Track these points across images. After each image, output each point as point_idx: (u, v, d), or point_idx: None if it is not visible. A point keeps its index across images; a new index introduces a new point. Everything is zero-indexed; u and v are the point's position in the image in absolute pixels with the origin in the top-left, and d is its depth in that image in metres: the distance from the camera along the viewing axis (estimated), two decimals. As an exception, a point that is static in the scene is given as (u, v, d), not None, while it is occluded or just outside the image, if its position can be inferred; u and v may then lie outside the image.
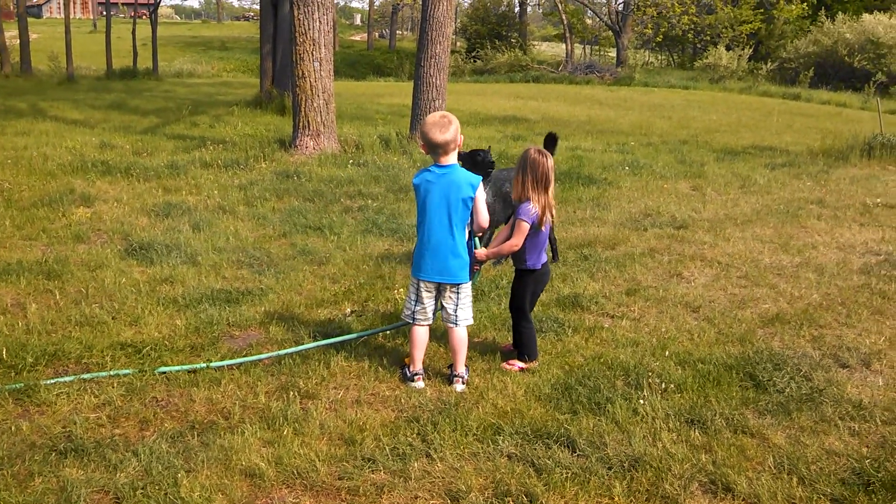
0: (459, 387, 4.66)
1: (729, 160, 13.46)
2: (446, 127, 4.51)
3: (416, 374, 4.73)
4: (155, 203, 8.81)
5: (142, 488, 3.53)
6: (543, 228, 4.84)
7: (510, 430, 4.13)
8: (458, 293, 4.70)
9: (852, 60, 35.53)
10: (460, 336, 4.74)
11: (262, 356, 4.97)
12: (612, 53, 43.85)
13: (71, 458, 3.80)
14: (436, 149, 4.55)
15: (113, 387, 4.52)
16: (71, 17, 31.47)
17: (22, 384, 4.46)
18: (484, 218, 4.64)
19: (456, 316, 4.72)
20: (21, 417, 4.21)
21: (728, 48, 38.58)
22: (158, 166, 10.67)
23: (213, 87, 24.66)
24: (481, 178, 4.61)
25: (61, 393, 4.43)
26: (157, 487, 3.53)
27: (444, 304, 4.74)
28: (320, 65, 11.50)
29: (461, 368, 4.76)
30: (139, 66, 31.39)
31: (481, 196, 4.59)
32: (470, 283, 4.75)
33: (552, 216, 4.87)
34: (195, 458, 3.79)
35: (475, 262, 4.78)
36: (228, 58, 44.49)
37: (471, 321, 4.79)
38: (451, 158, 4.58)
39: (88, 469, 3.72)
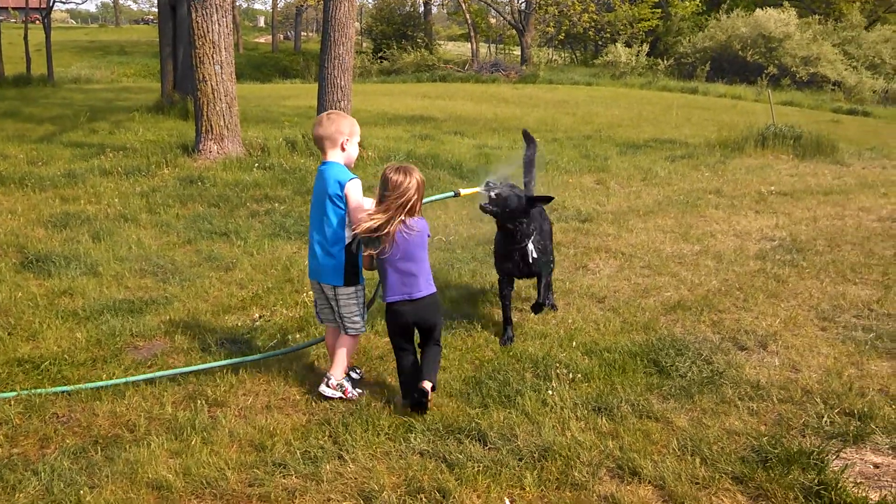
0: (324, 389, 4.47)
1: (631, 154, 13.82)
2: (322, 123, 4.53)
3: (339, 383, 4.53)
4: (52, 213, 8.50)
5: (42, 508, 3.42)
6: (385, 255, 4.34)
7: (422, 427, 4.15)
8: (336, 296, 4.51)
9: (745, 55, 36.91)
10: (341, 341, 4.57)
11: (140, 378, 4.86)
12: (517, 52, 44.34)
13: (-35, 481, 3.65)
14: (317, 144, 4.62)
15: (10, 405, 4.35)
16: (-44, 22, 29.99)
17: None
18: (353, 218, 4.39)
19: (341, 320, 4.58)
20: None
21: (628, 45, 39.55)
22: (55, 175, 10.29)
23: (113, 93, 23.89)
24: (354, 176, 4.45)
25: (-47, 414, 4.25)
26: (58, 506, 3.42)
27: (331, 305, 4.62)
28: (221, 68, 11.30)
29: (333, 371, 4.53)
30: (33, 73, 30.16)
31: (354, 195, 4.40)
32: (353, 288, 4.51)
33: (394, 243, 4.30)
34: (99, 474, 3.69)
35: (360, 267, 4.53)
36: (128, 62, 43.17)
37: (358, 330, 4.59)
38: (332, 155, 4.52)
39: (-16, 491, 3.57)
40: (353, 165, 4.64)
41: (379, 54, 43.02)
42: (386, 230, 4.26)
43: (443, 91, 26.50)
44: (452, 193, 5.25)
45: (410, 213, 4.30)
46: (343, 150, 4.55)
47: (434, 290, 4.45)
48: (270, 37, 57.72)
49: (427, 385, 4.31)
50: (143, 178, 10.35)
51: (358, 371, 4.83)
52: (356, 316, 4.55)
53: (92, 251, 7.20)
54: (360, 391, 4.56)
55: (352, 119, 4.63)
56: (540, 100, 24.16)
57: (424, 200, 4.45)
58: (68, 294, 6.17)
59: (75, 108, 17.95)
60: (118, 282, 6.50)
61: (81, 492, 3.50)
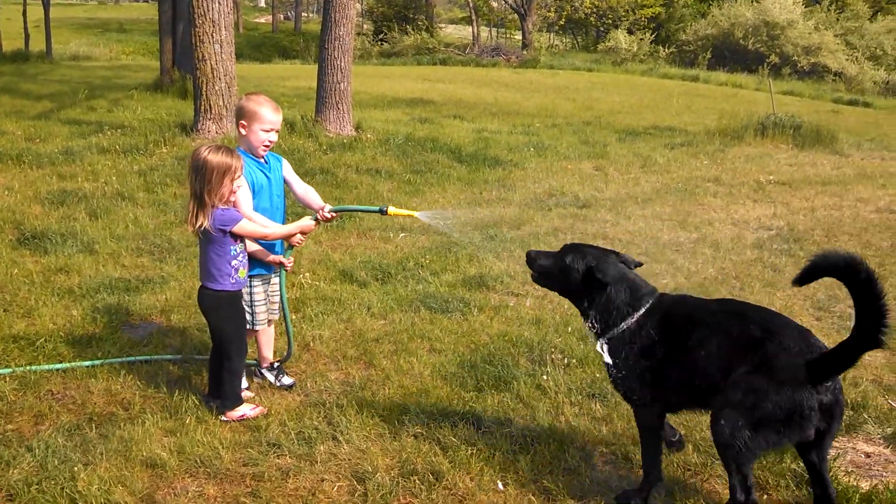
0: None
1: (630, 141, 13.80)
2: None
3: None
4: (49, 191, 8.48)
5: (37, 484, 3.42)
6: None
7: (416, 410, 4.17)
8: None
9: (747, 43, 36.79)
10: None
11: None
12: (518, 36, 44.15)
13: (-40, 456, 3.66)
14: None
15: (5, 381, 4.36)
16: (-46, -4, 29.81)
17: None
18: None
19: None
20: None
21: (630, 32, 39.40)
22: (52, 153, 10.25)
23: (112, 71, 23.75)
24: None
25: (-51, 389, 4.25)
26: (52, 482, 3.43)
27: None
28: (221, 47, 11.23)
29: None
30: (31, 49, 29.99)
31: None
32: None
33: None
34: (93, 451, 3.70)
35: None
36: (127, 40, 42.89)
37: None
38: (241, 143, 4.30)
39: (-21, 467, 3.58)
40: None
41: (379, 36, 42.81)
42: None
43: (443, 74, 26.41)
44: (378, 209, 4.38)
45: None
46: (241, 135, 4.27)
47: (208, 284, 4.10)
48: (271, 17, 57.35)
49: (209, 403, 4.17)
50: (141, 157, 10.31)
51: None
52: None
53: (89, 229, 7.18)
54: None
55: (255, 103, 4.21)
56: (540, 85, 24.08)
57: (347, 208, 4.40)
58: (64, 271, 6.17)
59: (73, 86, 17.86)
60: (115, 260, 6.50)
61: (76, 468, 3.51)
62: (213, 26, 11.10)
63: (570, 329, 5.27)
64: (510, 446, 3.89)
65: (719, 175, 10.91)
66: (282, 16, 60.76)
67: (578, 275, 3.56)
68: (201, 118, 11.43)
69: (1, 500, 3.36)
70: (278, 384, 4.48)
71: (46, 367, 4.55)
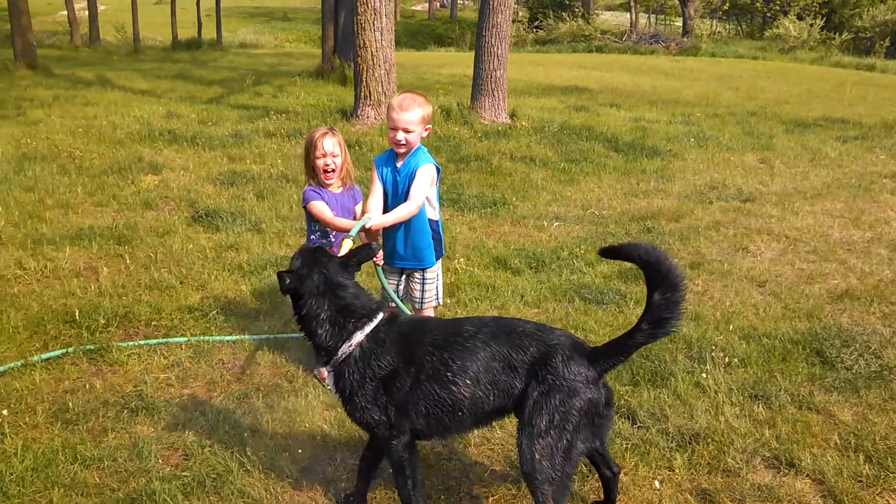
0: None
1: (799, 132, 13.08)
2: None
3: None
4: (220, 171, 8.95)
5: (209, 446, 3.63)
6: None
7: (570, 399, 4.12)
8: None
9: (934, 29, 34.15)
10: None
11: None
12: (679, 23, 42.75)
13: (142, 415, 3.94)
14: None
15: (181, 349, 4.65)
16: (138, -12, 31.81)
17: (95, 345, 4.61)
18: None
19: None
20: (94, 376, 4.36)
21: (799, 17, 37.35)
22: (223, 135, 10.83)
23: (276, 58, 24.81)
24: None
25: (132, 354, 4.57)
26: (224, 446, 3.63)
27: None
28: (381, 34, 11.48)
29: None
30: (203, 37, 31.78)
31: None
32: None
33: None
34: (260, 419, 3.89)
35: None
36: (291, 28, 44.69)
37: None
38: None
39: (159, 427, 3.84)
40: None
41: (534, 23, 42.57)
42: None
43: (599, 62, 25.95)
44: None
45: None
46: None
47: None
48: (427, 4, 58.17)
49: None
50: (304, 141, 10.70)
51: None
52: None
53: (256, 209, 7.53)
54: None
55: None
56: (701, 73, 23.23)
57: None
58: (234, 248, 6.50)
59: (241, 72, 18.76)
60: (280, 239, 6.78)
61: (245, 435, 3.70)
62: (375, 14, 11.36)
63: (731, 327, 5.07)
64: (666, 443, 3.79)
65: (897, 170, 10.18)
66: (438, 3, 61.47)
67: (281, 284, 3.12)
68: (361, 104, 11.74)
69: (178, 458, 3.59)
70: None
71: (218, 337, 4.81)
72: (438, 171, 4.25)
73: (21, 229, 6.71)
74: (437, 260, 4.38)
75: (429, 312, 4.38)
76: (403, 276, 4.34)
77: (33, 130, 10.83)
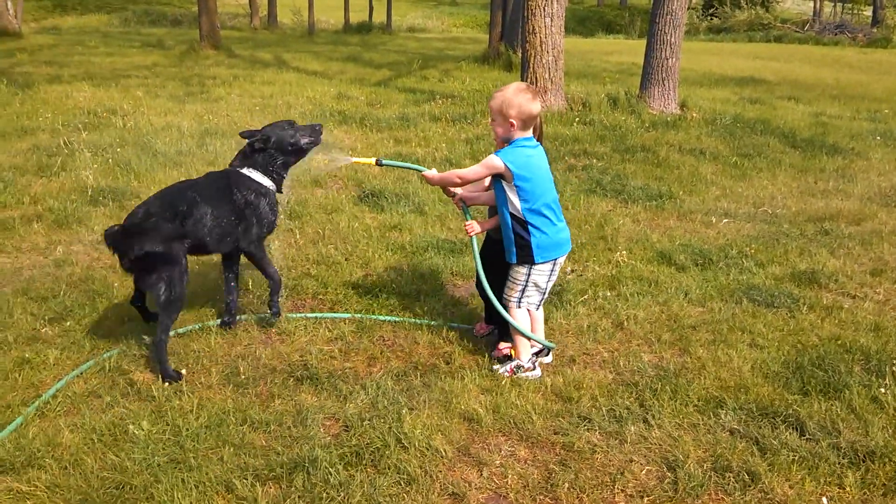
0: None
1: None
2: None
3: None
4: (386, 153, 9.17)
5: (368, 420, 3.73)
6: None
7: (733, 404, 3.96)
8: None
9: None
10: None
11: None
12: (868, 12, 40.05)
13: (306, 384, 4.10)
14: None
15: (345, 323, 4.80)
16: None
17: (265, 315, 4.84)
18: None
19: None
20: (263, 344, 4.58)
21: None
22: (390, 118, 11.08)
23: (443, 42, 25.19)
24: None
25: (299, 325, 4.77)
26: (382, 421, 3.72)
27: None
28: (551, 20, 11.38)
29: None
30: (374, 21, 32.69)
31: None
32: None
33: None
34: (418, 398, 3.96)
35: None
36: (458, 13, 45.21)
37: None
38: None
39: (321, 396, 3.99)
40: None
41: (709, 11, 41.04)
42: None
43: (777, 52, 24.72)
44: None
45: None
46: None
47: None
48: (596, -9, 57.23)
49: None
50: (468, 126, 10.81)
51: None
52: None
53: (419, 191, 7.66)
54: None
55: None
56: (892, 66, 21.66)
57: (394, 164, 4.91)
58: (397, 229, 6.64)
59: (409, 56, 19.16)
60: (441, 222, 6.88)
61: (402, 412, 3.78)
62: (546, -1, 11.27)
63: (917, 341, 4.70)
64: (837, 458, 3.56)
65: None
66: (607, -10, 60.27)
67: None
68: (527, 90, 11.70)
69: (338, 428, 3.71)
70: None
71: (381, 317, 4.93)
72: (512, 171, 4.04)
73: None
74: (520, 264, 4.24)
75: (511, 315, 4.29)
76: None
77: (215, 107, 11.50)
